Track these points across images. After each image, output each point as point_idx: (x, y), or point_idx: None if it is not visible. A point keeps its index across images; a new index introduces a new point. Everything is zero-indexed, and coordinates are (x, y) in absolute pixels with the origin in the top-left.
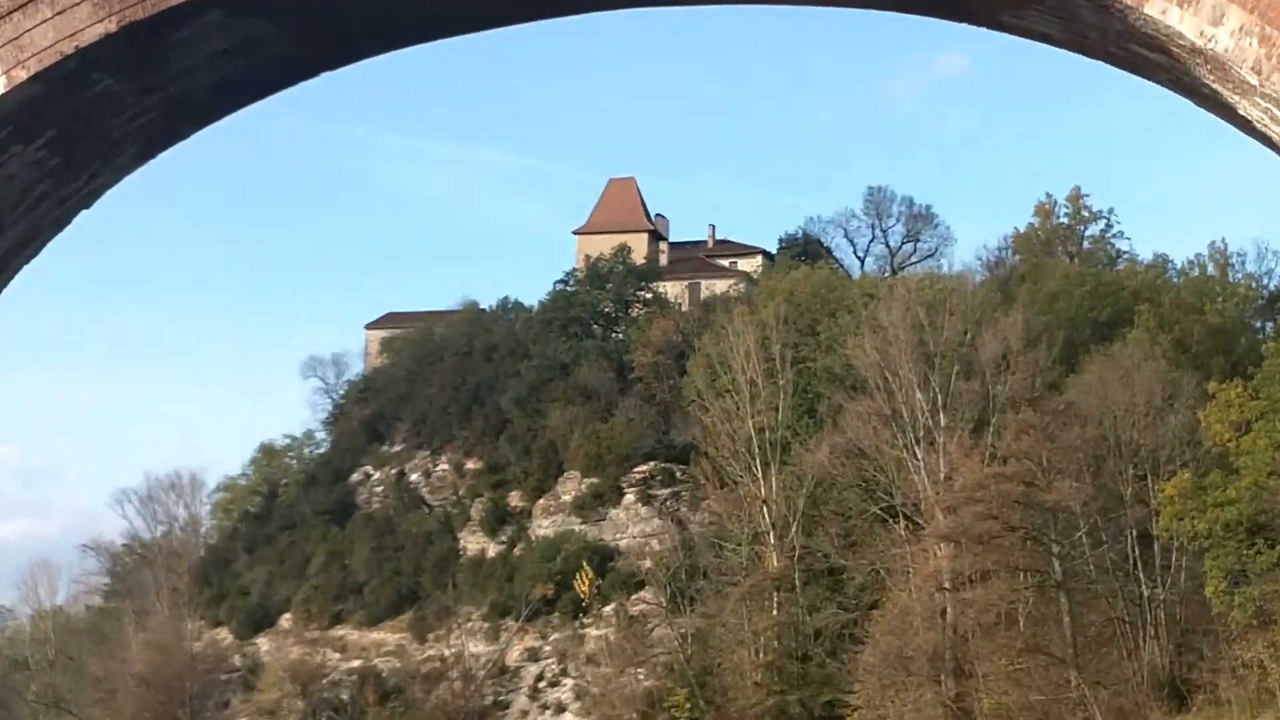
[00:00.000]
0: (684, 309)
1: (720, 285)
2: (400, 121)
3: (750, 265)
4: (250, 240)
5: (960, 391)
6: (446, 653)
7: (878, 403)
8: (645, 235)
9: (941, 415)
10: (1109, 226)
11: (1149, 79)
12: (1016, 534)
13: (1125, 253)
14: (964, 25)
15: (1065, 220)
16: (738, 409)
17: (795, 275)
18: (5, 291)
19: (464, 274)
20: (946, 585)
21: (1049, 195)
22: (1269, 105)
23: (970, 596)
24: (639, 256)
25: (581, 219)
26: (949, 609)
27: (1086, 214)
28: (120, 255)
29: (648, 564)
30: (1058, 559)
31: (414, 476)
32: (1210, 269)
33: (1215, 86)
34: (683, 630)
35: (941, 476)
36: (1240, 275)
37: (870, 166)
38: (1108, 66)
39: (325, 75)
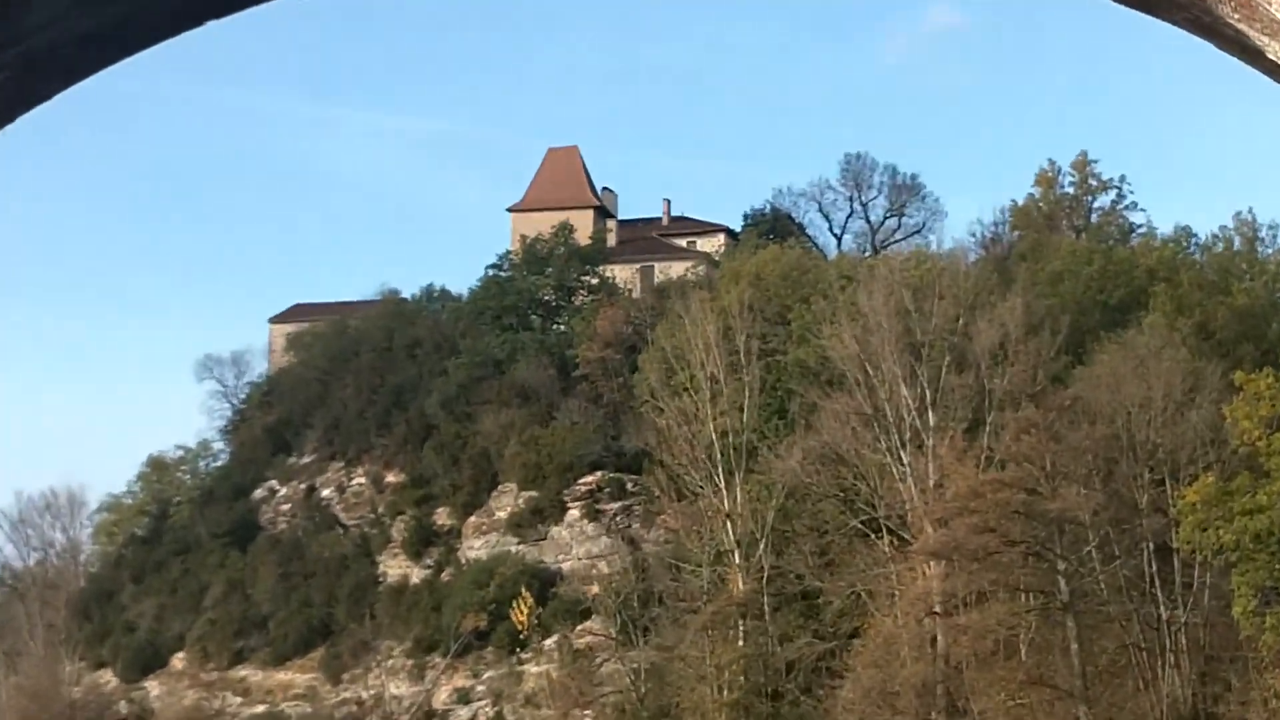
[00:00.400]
0: (635, 296)
1: (677, 268)
2: (305, 84)
3: (711, 245)
4: (132, 223)
5: (952, 386)
6: (364, 695)
7: (857, 400)
8: (590, 212)
9: (930, 414)
10: (1121, 197)
11: (1164, 19)
12: (1017, 549)
13: (1140, 226)
14: None
15: (1071, 190)
16: (697, 410)
17: (763, 255)
18: None
19: (382, 259)
20: (937, 609)
21: (1052, 162)
22: None
23: (964, 621)
24: (583, 236)
25: (517, 194)
26: (940, 636)
27: (1095, 183)
28: None
29: (595, 589)
30: (1064, 577)
31: (326, 492)
32: (1237, 243)
33: (1241, 27)
34: (635, 665)
35: (931, 484)
36: (1270, 251)
37: (849, 132)
38: (1118, 9)
39: (212, 25)
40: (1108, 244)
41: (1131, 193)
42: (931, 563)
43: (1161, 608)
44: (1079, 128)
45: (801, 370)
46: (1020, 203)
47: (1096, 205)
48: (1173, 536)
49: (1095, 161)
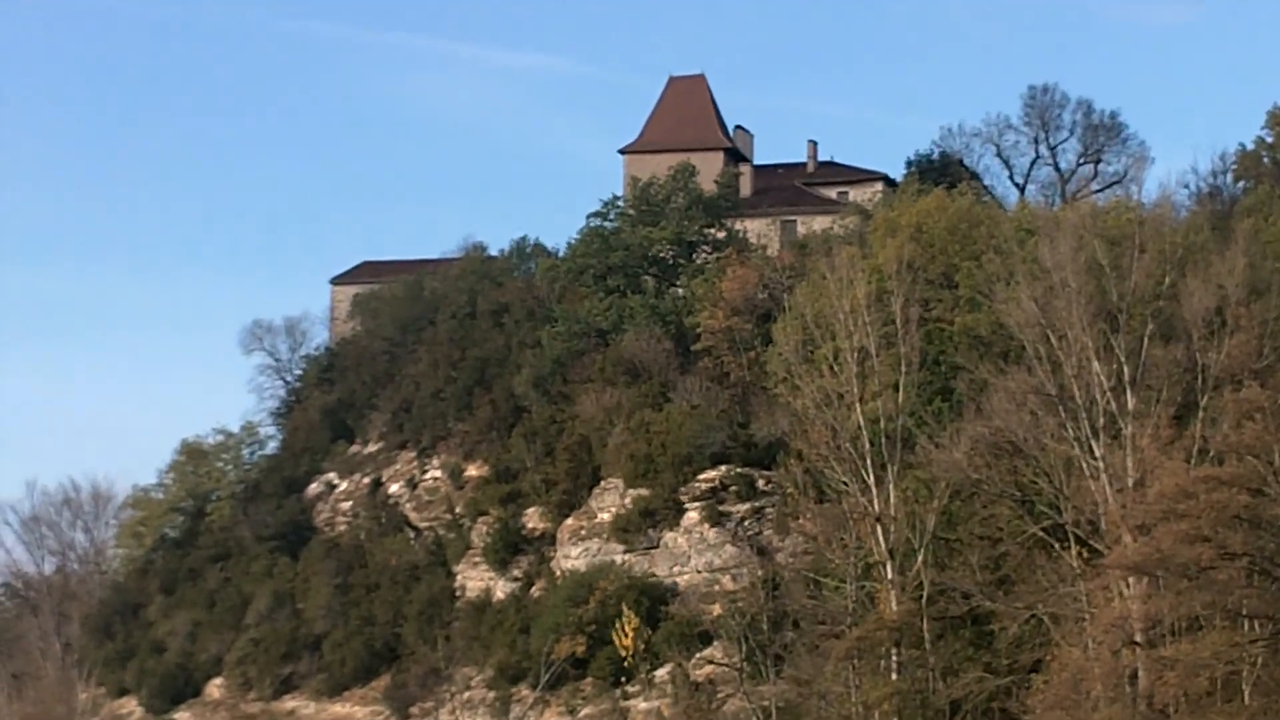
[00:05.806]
0: (771, 254)
1: (822, 222)
2: (383, 13)
3: (865, 195)
4: (164, 162)
5: (1156, 361)
6: None
7: (1039, 378)
8: (719, 154)
9: (1129, 395)
10: None
11: None
12: (1238, 564)
13: None
14: None
15: None
16: (843, 391)
17: (924, 203)
18: None
19: (466, 209)
20: (1138, 638)
21: None
22: None
23: (1171, 654)
24: (709, 182)
25: (631, 134)
26: (1141, 672)
27: None
28: None
29: (717, 609)
30: None
31: (394, 487)
32: None
33: None
34: (765, 702)
35: (1130, 482)
36: None
37: (1033, 61)
38: None
39: None
40: None
41: None
42: (1130, 580)
43: None
44: None
45: (970, 341)
46: (1247, 149)
47: None
48: None
49: None
